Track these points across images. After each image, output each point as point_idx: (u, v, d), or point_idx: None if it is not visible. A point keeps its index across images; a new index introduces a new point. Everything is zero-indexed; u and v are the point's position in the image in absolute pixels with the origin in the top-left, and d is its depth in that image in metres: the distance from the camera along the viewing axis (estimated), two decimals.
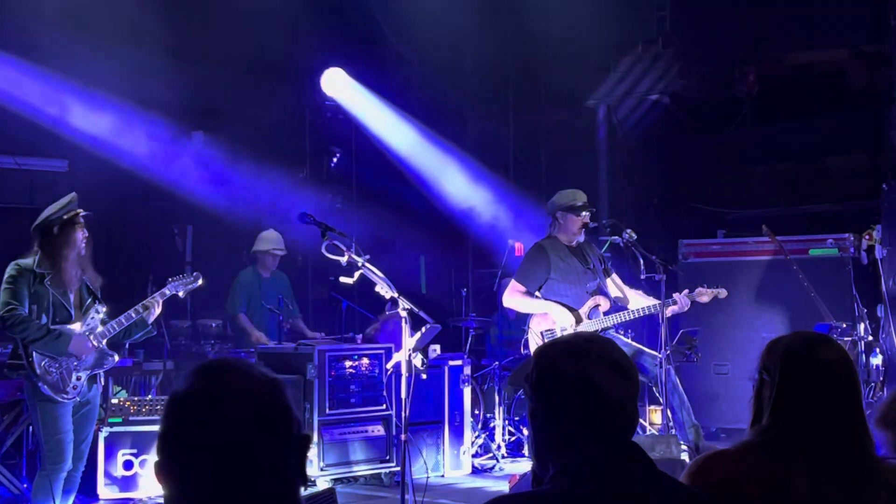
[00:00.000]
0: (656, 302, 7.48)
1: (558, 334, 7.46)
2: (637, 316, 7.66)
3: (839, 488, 2.52)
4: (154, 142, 10.19)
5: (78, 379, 5.91)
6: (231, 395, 1.83)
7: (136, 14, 9.46)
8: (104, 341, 6.07)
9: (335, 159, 11.16)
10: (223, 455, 1.79)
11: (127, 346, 7.44)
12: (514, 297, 7.81)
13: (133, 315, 6.14)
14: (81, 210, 6.01)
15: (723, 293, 7.60)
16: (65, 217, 5.93)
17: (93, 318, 6.07)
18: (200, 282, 6.54)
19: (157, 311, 6.26)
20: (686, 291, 7.44)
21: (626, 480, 2.25)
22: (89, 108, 9.54)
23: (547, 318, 7.58)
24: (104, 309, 6.14)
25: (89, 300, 6.11)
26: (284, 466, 1.85)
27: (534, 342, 7.67)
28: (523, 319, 8.10)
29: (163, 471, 1.84)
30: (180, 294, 6.49)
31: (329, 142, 11.72)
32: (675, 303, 7.34)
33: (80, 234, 5.98)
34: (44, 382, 5.79)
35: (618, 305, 7.71)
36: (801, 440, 2.56)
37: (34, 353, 5.82)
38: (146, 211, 10.26)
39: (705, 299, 7.55)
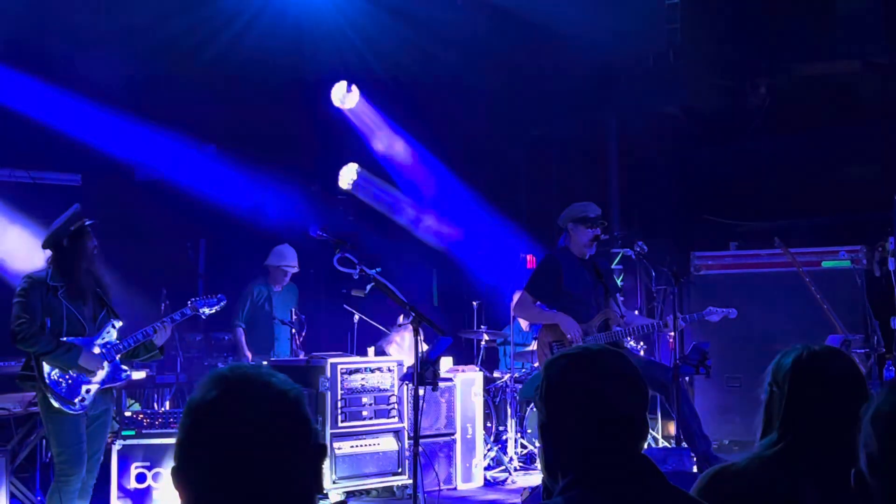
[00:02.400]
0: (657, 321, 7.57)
1: (566, 346, 7.47)
2: (645, 332, 7.68)
3: (848, 501, 2.52)
4: (167, 156, 10.25)
5: (87, 392, 5.92)
6: (248, 405, 1.83)
7: (148, 28, 9.53)
8: (118, 356, 6.09)
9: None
10: (239, 464, 1.80)
11: (135, 364, 7.46)
12: (524, 308, 7.83)
13: (151, 332, 6.17)
14: (87, 219, 6.04)
15: (732, 313, 7.61)
16: (72, 228, 5.96)
17: (108, 332, 6.10)
18: (224, 304, 6.59)
19: (167, 335, 6.28)
20: (665, 319, 7.46)
21: (636, 492, 2.25)
22: (102, 122, 9.60)
23: (556, 330, 7.60)
24: (119, 323, 6.17)
25: (103, 313, 6.14)
26: (300, 476, 1.85)
27: (542, 353, 7.68)
28: (536, 332, 8.12)
29: (179, 478, 1.85)
30: (203, 315, 6.53)
31: (341, 155, 11.75)
32: (665, 325, 7.38)
33: (90, 243, 6.02)
34: (53, 394, 5.82)
35: (627, 319, 7.73)
36: (809, 453, 2.57)
37: (44, 365, 5.85)
38: (159, 225, 10.30)
39: (715, 319, 7.56)
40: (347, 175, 11.41)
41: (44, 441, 7.21)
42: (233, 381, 1.87)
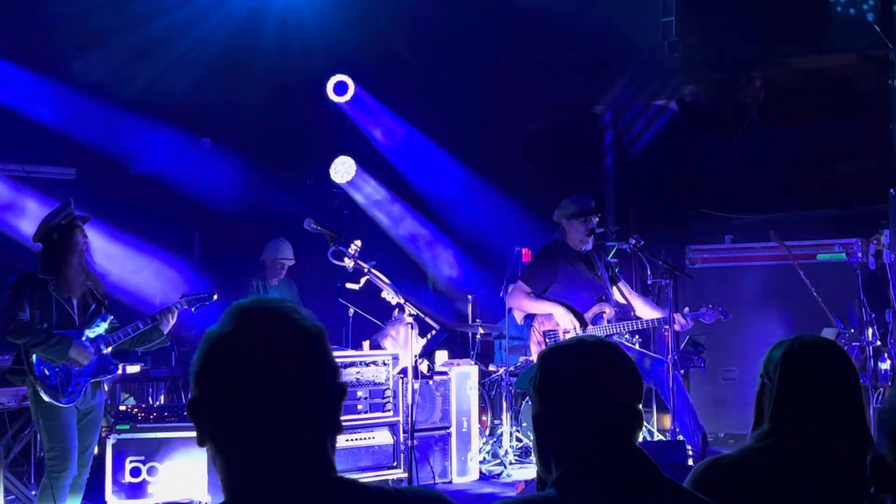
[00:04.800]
0: (659, 316, 7.51)
1: (560, 336, 7.46)
2: (640, 328, 7.67)
3: (840, 493, 2.52)
4: (161, 149, 10.23)
5: (77, 385, 5.90)
6: (265, 336, 1.79)
7: (142, 22, 9.51)
8: (108, 350, 6.07)
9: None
10: (253, 396, 1.76)
11: (139, 353, 7.46)
12: (518, 298, 7.81)
13: (140, 326, 6.16)
14: (80, 213, 6.03)
15: (726, 316, 7.59)
16: (62, 222, 5.95)
17: (98, 325, 6.08)
18: (215, 298, 6.57)
19: (173, 321, 6.28)
20: (685, 311, 7.43)
21: (629, 484, 2.25)
22: (97, 115, 9.58)
23: (551, 320, 7.59)
24: (110, 317, 6.15)
25: (94, 307, 6.12)
26: (317, 413, 1.81)
27: (535, 343, 7.68)
28: (531, 325, 8.11)
29: (195, 409, 1.81)
30: (192, 309, 6.51)
31: (336, 148, 11.74)
32: (675, 322, 7.35)
33: (80, 238, 6.00)
34: (42, 387, 5.80)
35: (623, 314, 7.72)
36: (801, 443, 2.57)
37: (34, 357, 5.84)
38: (153, 218, 10.28)
39: (709, 320, 7.55)
40: (342, 170, 11.38)
41: (37, 435, 7.20)
42: (252, 312, 1.83)
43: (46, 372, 5.84)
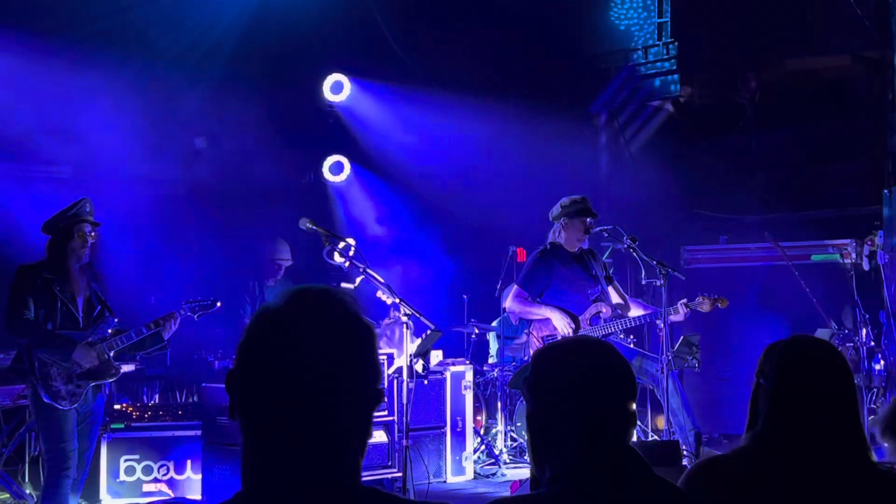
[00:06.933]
0: (649, 312, 7.53)
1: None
2: (638, 323, 7.67)
3: (834, 494, 2.53)
4: (155, 148, 10.21)
5: (78, 387, 5.89)
6: (318, 323, 1.73)
7: (139, 20, 9.51)
8: (112, 353, 6.05)
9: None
10: (289, 379, 1.70)
11: (138, 357, 7.46)
12: (516, 303, 7.82)
13: (144, 331, 6.14)
14: (84, 215, 5.99)
15: (723, 303, 7.59)
16: (61, 225, 5.93)
17: (101, 328, 6.06)
18: (218, 305, 6.55)
19: (175, 327, 6.26)
20: (684, 301, 7.43)
21: (623, 484, 2.25)
22: (93, 114, 9.56)
23: (549, 324, 7.59)
24: (115, 321, 6.14)
25: (98, 309, 6.10)
26: (350, 413, 1.75)
27: (533, 348, 7.67)
28: (525, 325, 8.12)
29: (231, 379, 1.77)
30: (196, 316, 6.49)
31: (332, 147, 11.74)
32: (675, 311, 7.33)
33: (78, 243, 5.95)
34: (44, 388, 5.79)
35: (619, 312, 7.72)
36: (796, 445, 2.57)
37: (37, 358, 5.82)
38: (149, 219, 10.26)
39: (706, 308, 7.54)
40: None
41: (32, 435, 7.19)
42: (311, 295, 1.78)
43: (49, 374, 5.82)
